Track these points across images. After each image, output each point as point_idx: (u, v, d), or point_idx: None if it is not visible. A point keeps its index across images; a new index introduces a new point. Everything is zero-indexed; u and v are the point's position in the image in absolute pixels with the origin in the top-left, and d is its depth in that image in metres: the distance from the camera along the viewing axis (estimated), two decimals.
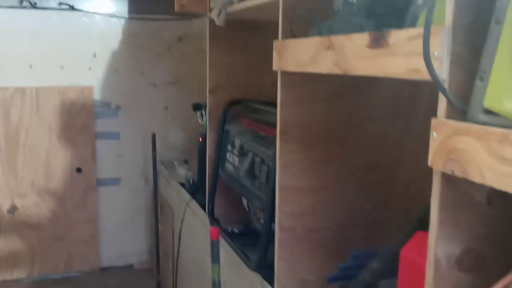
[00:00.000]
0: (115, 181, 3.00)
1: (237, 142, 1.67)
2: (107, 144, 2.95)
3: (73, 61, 2.84)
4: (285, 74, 1.24)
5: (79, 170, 2.88)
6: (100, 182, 2.96)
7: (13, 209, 2.81)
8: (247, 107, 1.78)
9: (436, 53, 0.70)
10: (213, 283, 1.25)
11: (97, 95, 2.91)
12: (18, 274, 2.87)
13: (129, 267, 3.07)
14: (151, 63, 2.96)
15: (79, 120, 2.87)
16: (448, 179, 0.72)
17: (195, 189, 2.15)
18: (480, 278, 0.76)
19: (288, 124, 1.27)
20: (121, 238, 3.04)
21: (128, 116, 2.97)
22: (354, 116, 1.33)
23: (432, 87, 0.75)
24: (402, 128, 1.37)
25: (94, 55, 2.87)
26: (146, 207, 3.01)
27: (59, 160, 2.85)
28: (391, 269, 0.96)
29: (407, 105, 1.36)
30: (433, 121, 0.71)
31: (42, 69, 2.80)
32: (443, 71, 0.70)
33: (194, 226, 2.05)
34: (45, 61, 2.79)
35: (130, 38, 2.92)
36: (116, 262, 3.05)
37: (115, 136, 2.96)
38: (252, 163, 1.52)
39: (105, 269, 3.01)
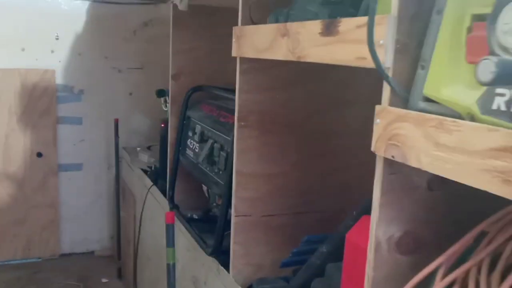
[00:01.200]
0: (77, 166, 2.96)
1: (198, 129, 1.67)
2: (69, 128, 2.90)
3: (34, 43, 2.78)
4: (243, 60, 1.25)
5: (39, 154, 2.83)
6: (62, 167, 2.92)
7: None
8: (209, 93, 1.79)
9: (381, 41, 0.72)
10: (168, 266, 1.26)
11: (59, 79, 2.85)
12: None
13: (90, 253, 3.04)
14: (115, 47, 2.92)
15: (40, 104, 2.81)
16: (390, 164, 0.74)
17: (157, 175, 2.14)
18: (419, 261, 0.79)
19: (246, 111, 1.28)
20: (82, 224, 3.00)
21: (91, 101, 2.92)
22: (312, 103, 1.35)
23: None
24: (360, 115, 1.39)
25: (57, 38, 2.81)
26: (109, 193, 2.98)
27: (19, 144, 2.79)
28: (339, 253, 0.98)
29: (365, 92, 1.38)
30: (377, 108, 0.73)
31: (2, 50, 2.72)
32: (387, 59, 0.72)
33: (155, 212, 2.05)
34: (5, 42, 2.72)
35: (95, 22, 2.87)
36: (77, 248, 3.02)
37: (77, 121, 2.92)
38: (212, 149, 1.53)
39: (65, 255, 2.98)
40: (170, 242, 1.26)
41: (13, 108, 2.75)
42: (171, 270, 1.26)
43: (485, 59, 0.47)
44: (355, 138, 1.44)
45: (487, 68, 0.46)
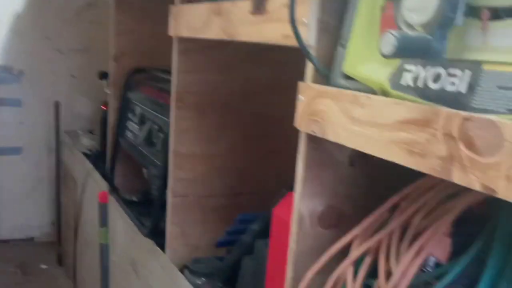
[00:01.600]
0: (15, 150, 2.85)
1: (138, 110, 1.65)
2: (7, 111, 2.80)
3: None
4: (181, 40, 1.24)
5: None
6: (0, 151, 2.81)
7: None
8: (150, 75, 1.77)
9: (304, 20, 0.73)
10: (101, 246, 1.25)
11: None
12: None
13: (30, 239, 2.95)
14: (57, 28, 2.83)
15: None
16: (312, 140, 0.76)
17: (97, 159, 2.11)
18: (341, 234, 0.82)
19: (183, 91, 1.28)
20: (22, 210, 2.91)
21: (32, 83, 2.83)
22: (249, 85, 1.36)
23: None
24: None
25: None
26: (50, 178, 2.90)
27: None
28: (269, 230, 1.00)
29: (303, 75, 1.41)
30: (300, 85, 0.75)
31: None
32: (311, 37, 0.74)
33: (95, 196, 2.01)
34: None
35: (35, 1, 2.77)
36: (16, 234, 2.92)
37: (16, 103, 2.81)
38: (150, 131, 1.52)
39: (3, 242, 2.88)
40: (103, 222, 1.24)
41: None
42: (104, 250, 1.25)
43: (387, 32, 0.49)
44: (292, 121, 1.47)
45: (389, 41, 0.48)
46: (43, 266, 2.66)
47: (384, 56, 0.49)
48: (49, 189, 2.93)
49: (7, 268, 2.63)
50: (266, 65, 1.37)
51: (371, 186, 0.83)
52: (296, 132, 1.50)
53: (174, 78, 1.27)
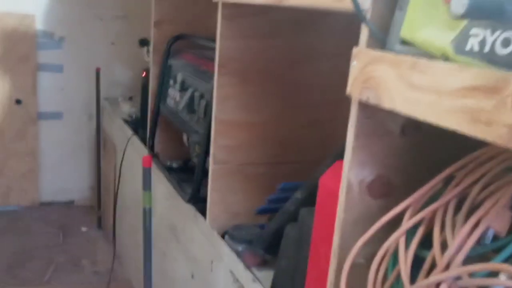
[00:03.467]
0: (57, 115, 2.92)
1: (179, 77, 1.65)
2: (49, 76, 2.85)
3: None
4: (225, 5, 1.22)
5: (18, 101, 2.79)
6: (41, 116, 2.88)
7: None
8: (192, 42, 1.76)
9: None
10: (144, 210, 1.27)
11: (39, 24, 2.78)
12: None
13: (70, 202, 3.04)
14: None
15: (19, 49, 2.74)
16: (364, 108, 0.74)
17: (137, 125, 2.13)
18: (389, 204, 0.80)
19: (227, 57, 1.27)
20: (62, 174, 2.99)
21: (73, 49, 2.86)
22: (294, 53, 1.34)
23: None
24: (343, 68, 1.39)
25: None
26: (89, 143, 2.97)
27: None
28: (313, 198, 0.99)
29: (349, 45, 1.37)
30: (354, 50, 0.73)
31: None
32: (365, 0, 0.71)
33: (134, 162, 2.05)
34: None
35: None
36: (56, 197, 3.02)
37: (58, 68, 2.86)
38: (192, 98, 1.52)
39: (45, 204, 2.98)
40: (147, 186, 1.26)
41: None
42: (147, 213, 1.27)
43: None
44: (337, 91, 1.44)
45: (460, 1, 0.46)
46: (84, 229, 2.75)
47: (455, 16, 0.47)
48: (89, 154, 3.00)
49: (48, 229, 2.72)
50: (310, 34, 1.34)
51: (422, 156, 0.81)
52: (339, 102, 1.48)
53: (218, 44, 1.26)
